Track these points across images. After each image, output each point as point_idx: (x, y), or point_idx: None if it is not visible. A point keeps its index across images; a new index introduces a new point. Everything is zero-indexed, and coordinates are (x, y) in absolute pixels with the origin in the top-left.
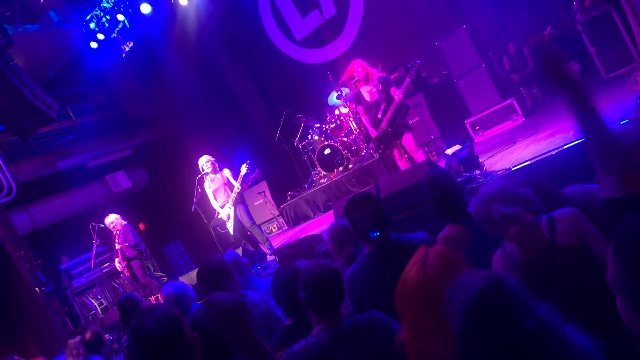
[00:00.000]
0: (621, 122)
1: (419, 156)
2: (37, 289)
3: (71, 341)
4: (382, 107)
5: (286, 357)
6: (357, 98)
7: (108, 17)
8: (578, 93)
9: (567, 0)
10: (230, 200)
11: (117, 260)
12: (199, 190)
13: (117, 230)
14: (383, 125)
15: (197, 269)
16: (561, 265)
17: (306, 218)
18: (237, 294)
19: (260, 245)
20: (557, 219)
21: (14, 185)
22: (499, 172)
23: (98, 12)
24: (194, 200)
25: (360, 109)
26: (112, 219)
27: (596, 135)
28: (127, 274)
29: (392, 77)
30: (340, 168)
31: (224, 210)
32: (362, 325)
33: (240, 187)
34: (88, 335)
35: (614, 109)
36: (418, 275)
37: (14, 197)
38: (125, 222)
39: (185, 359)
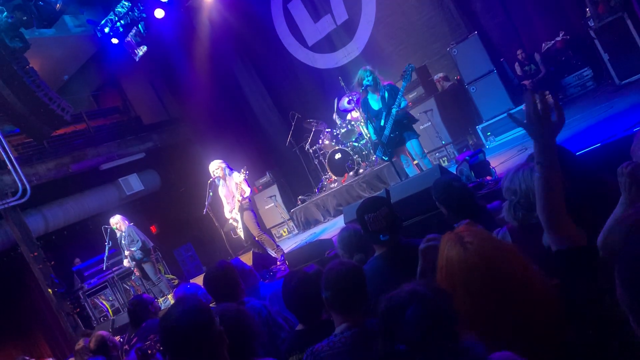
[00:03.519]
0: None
1: (427, 162)
2: (50, 290)
3: (79, 347)
4: (384, 114)
5: (307, 356)
6: (364, 106)
7: (122, 21)
8: None
9: (580, 6)
10: (236, 207)
11: (125, 260)
12: (211, 193)
13: (121, 230)
14: (387, 132)
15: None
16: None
17: (316, 222)
18: (238, 304)
19: (270, 251)
20: None
21: (28, 187)
22: None
23: (113, 17)
24: (206, 203)
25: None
26: (116, 220)
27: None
28: (137, 274)
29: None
30: (351, 173)
31: (233, 214)
32: None
33: (243, 196)
34: (92, 344)
35: (628, 116)
36: (466, 256)
37: (28, 199)
38: (131, 223)
39: (212, 352)
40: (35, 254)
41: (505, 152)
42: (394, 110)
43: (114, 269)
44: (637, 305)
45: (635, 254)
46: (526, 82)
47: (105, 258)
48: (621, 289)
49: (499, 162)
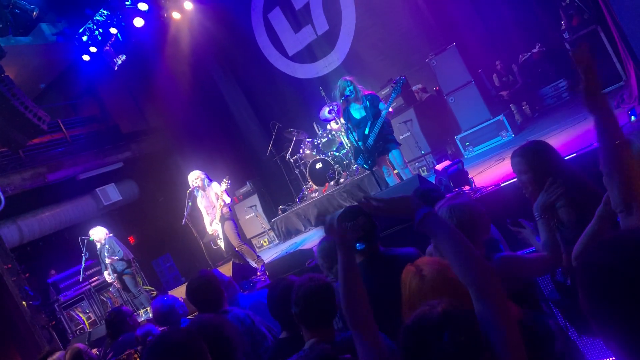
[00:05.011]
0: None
1: (408, 172)
2: (24, 302)
3: (53, 358)
4: (370, 123)
5: None
6: (346, 115)
7: (101, 30)
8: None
9: (555, 19)
10: (217, 217)
11: (106, 272)
12: (190, 203)
13: (101, 242)
14: (370, 140)
15: (186, 284)
16: None
17: (297, 232)
18: (221, 313)
19: (250, 261)
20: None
21: (2, 198)
22: (488, 188)
23: (91, 25)
24: (185, 213)
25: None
26: (96, 231)
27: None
28: (117, 286)
29: (382, 93)
30: (332, 182)
31: (213, 226)
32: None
33: (224, 204)
34: (68, 357)
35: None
36: (423, 286)
37: (3, 210)
38: (111, 234)
39: None
40: (9, 265)
41: (484, 162)
42: (380, 118)
43: (90, 280)
44: (597, 311)
45: (593, 261)
46: (504, 93)
47: (81, 269)
48: (582, 295)
49: (477, 172)
